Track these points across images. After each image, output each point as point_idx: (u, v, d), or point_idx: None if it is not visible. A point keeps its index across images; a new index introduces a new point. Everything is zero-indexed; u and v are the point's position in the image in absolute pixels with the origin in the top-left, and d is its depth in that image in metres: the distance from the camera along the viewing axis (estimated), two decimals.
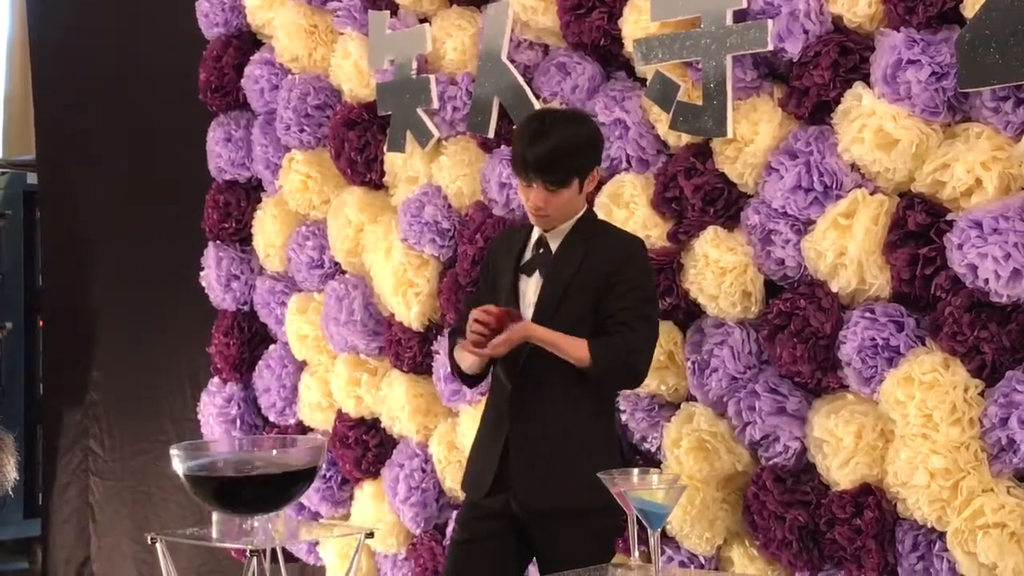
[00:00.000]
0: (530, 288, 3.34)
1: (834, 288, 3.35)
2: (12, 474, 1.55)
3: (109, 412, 5.80)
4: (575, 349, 3.21)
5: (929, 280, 3.19)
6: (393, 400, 4.40)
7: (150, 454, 5.48)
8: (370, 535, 3.71)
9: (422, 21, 4.37)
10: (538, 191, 3.25)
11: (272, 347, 4.94)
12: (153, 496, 5.53)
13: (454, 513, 4.06)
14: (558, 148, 3.22)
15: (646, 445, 3.77)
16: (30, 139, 6.68)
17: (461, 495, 3.57)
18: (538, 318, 3.27)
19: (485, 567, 3.35)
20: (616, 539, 3.35)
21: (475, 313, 3.22)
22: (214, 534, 3.44)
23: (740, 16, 3.46)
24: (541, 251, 3.34)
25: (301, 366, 4.81)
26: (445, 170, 4.27)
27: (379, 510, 4.49)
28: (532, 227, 3.39)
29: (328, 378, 4.65)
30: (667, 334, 3.67)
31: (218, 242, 5.09)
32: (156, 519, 5.45)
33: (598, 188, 3.67)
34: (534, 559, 3.38)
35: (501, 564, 3.35)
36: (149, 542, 3.55)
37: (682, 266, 3.64)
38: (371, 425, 4.56)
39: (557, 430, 3.26)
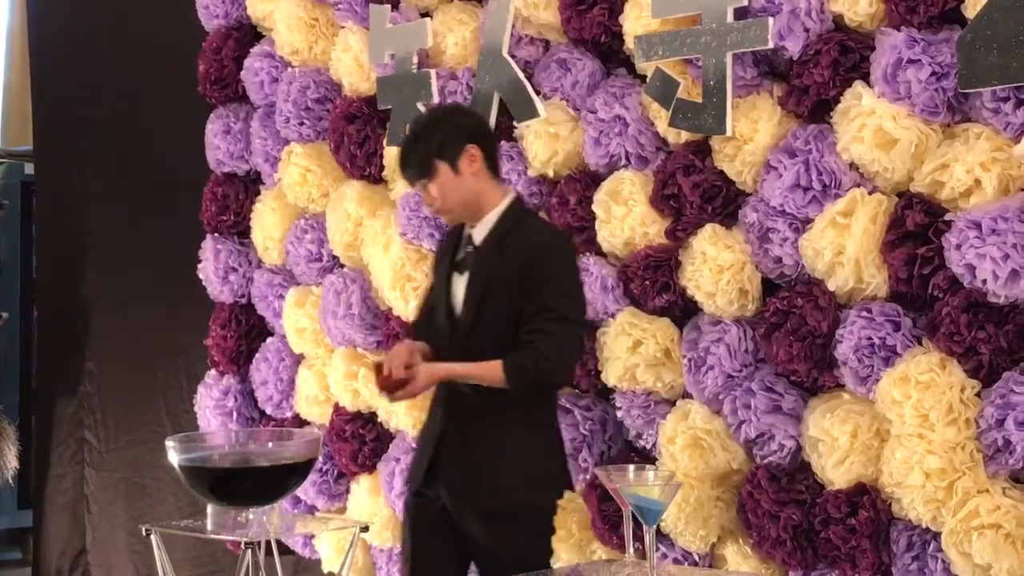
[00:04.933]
0: (460, 286, 3.40)
1: (831, 287, 3.35)
2: (13, 463, 1.55)
3: (104, 403, 5.80)
4: (489, 375, 3.26)
5: (927, 280, 3.19)
6: None
7: (146, 445, 5.48)
8: (365, 529, 3.72)
9: (423, 15, 4.37)
10: (421, 189, 3.41)
11: (270, 340, 4.94)
12: (149, 488, 5.53)
13: None
14: (407, 146, 3.43)
15: (641, 442, 3.77)
16: (28, 129, 6.67)
17: None
18: (465, 316, 3.35)
19: (432, 553, 3.43)
20: (548, 541, 3.42)
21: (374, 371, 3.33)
22: (209, 526, 3.45)
23: (741, 14, 3.46)
24: (470, 248, 3.40)
25: (299, 359, 4.81)
26: None
27: (375, 504, 4.49)
28: (464, 224, 3.46)
29: (325, 372, 4.65)
30: (664, 331, 3.68)
31: (216, 234, 5.09)
32: (152, 511, 5.45)
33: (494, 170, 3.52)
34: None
35: (443, 551, 3.42)
36: (144, 534, 3.56)
37: (680, 263, 3.64)
38: (368, 419, 4.56)
39: (485, 431, 3.31)
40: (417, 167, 3.39)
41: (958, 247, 3.07)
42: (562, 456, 3.51)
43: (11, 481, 1.49)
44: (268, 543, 3.69)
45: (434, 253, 3.65)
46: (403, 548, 3.53)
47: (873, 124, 3.22)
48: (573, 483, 3.61)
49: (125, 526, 5.60)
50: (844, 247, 3.28)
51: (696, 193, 3.59)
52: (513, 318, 3.29)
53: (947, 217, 3.15)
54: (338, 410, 4.62)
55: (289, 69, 4.78)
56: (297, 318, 4.73)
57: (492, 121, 4.09)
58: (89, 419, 5.84)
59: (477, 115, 3.58)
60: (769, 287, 3.53)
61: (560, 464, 3.48)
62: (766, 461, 3.48)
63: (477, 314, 3.33)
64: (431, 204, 3.43)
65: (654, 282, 3.67)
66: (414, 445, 3.66)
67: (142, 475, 5.57)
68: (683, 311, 3.68)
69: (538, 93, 3.98)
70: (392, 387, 3.27)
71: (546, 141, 3.93)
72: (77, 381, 5.88)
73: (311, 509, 4.73)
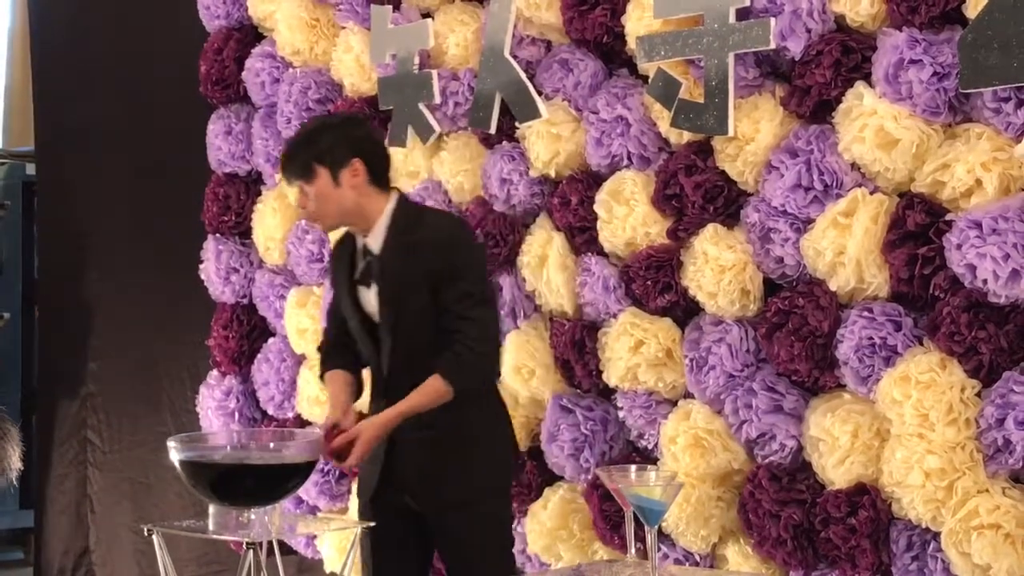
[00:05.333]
0: (370, 299, 3.39)
1: (832, 287, 3.35)
2: (17, 463, 1.56)
3: (108, 403, 5.80)
4: (431, 395, 3.25)
5: (928, 280, 3.19)
6: None
7: (149, 446, 5.48)
8: (367, 529, 3.72)
9: (424, 16, 4.37)
10: (296, 192, 3.39)
11: (271, 340, 4.94)
12: (152, 488, 5.53)
13: None
14: (296, 142, 3.41)
15: (643, 442, 3.78)
16: (30, 130, 6.67)
17: None
18: (386, 324, 3.34)
19: (395, 556, 3.46)
20: (509, 523, 3.51)
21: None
22: (211, 526, 3.45)
23: (743, 14, 3.47)
24: (369, 259, 3.38)
25: (300, 360, 4.81)
26: (446, 165, 4.27)
27: None
28: (353, 234, 3.43)
29: None
30: (666, 331, 3.68)
31: (218, 235, 5.09)
32: (155, 510, 5.45)
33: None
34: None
35: (406, 553, 3.45)
36: (145, 534, 3.56)
37: (681, 263, 3.64)
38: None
39: (435, 429, 3.30)
40: (298, 169, 3.35)
41: (959, 247, 3.08)
42: (511, 437, 3.54)
43: (15, 482, 1.50)
44: (270, 543, 3.69)
45: (329, 269, 3.59)
46: (363, 556, 3.53)
47: (874, 124, 3.22)
48: (520, 461, 3.67)
49: (129, 526, 5.60)
50: (845, 247, 3.29)
51: (698, 193, 3.59)
52: (432, 313, 3.30)
53: (948, 217, 3.15)
54: None
55: (290, 70, 4.78)
56: (298, 318, 4.73)
57: (494, 122, 4.09)
58: (92, 419, 5.84)
59: (367, 127, 3.55)
60: (770, 287, 3.53)
61: (511, 446, 3.54)
62: (767, 461, 3.48)
63: (397, 320, 3.33)
64: (304, 208, 3.40)
65: (656, 282, 3.67)
66: None
67: (146, 475, 5.57)
68: (685, 311, 3.68)
69: (540, 94, 3.99)
70: (338, 453, 3.26)
71: (548, 141, 3.93)
72: (80, 381, 5.88)
73: (313, 509, 4.73)
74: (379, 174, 3.39)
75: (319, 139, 3.36)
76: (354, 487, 4.59)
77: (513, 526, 3.59)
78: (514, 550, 3.62)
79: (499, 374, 3.66)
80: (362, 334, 3.42)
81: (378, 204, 3.36)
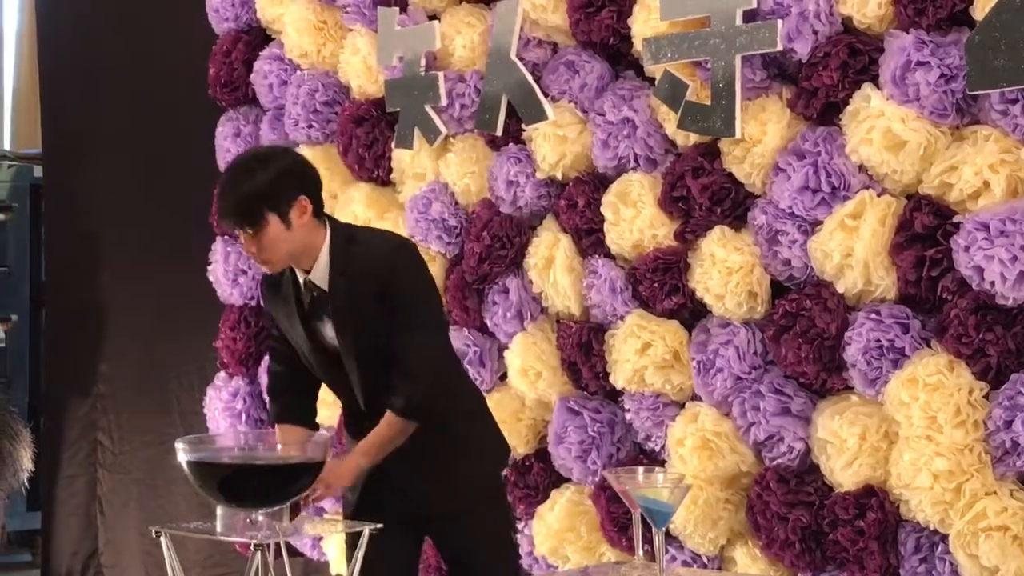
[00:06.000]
0: (327, 332, 3.29)
1: (840, 289, 3.35)
2: (28, 465, 1.56)
3: (117, 405, 5.81)
4: (388, 433, 3.22)
5: (935, 282, 3.19)
6: None
7: (158, 447, 5.49)
8: (374, 530, 3.72)
9: (431, 18, 4.37)
10: (244, 239, 3.20)
11: None
12: (160, 489, 5.54)
13: None
14: (239, 188, 3.17)
15: (650, 444, 3.78)
16: (37, 132, 6.68)
17: None
18: (349, 356, 3.26)
19: (388, 560, 3.40)
20: (513, 528, 3.53)
21: None
22: (218, 528, 3.45)
23: (750, 16, 3.47)
24: (315, 293, 3.27)
25: None
26: (452, 167, 4.27)
27: None
28: (291, 270, 3.30)
29: None
30: (673, 333, 3.68)
31: (226, 237, 5.10)
32: (163, 512, 5.46)
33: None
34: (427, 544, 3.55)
35: (398, 553, 3.41)
36: (153, 535, 3.56)
37: (688, 265, 3.64)
38: None
39: (423, 442, 3.26)
40: (242, 214, 3.15)
41: (966, 249, 3.08)
42: (493, 425, 3.53)
43: (26, 484, 1.50)
44: (277, 545, 3.69)
45: (267, 301, 3.45)
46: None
47: (882, 126, 3.22)
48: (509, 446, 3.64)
49: (137, 527, 5.60)
50: (853, 249, 3.28)
51: (705, 195, 3.59)
52: (388, 340, 3.24)
53: (956, 219, 3.15)
54: None
55: (298, 72, 4.79)
56: None
57: (500, 124, 4.09)
58: (103, 421, 5.85)
59: (301, 157, 3.40)
60: (778, 289, 3.53)
61: (496, 435, 3.53)
62: (775, 463, 3.48)
63: (360, 351, 3.25)
64: (254, 255, 3.22)
65: (663, 284, 3.67)
66: None
67: (154, 477, 5.58)
68: (692, 313, 3.68)
69: (546, 95, 3.99)
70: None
71: (554, 143, 3.93)
72: (90, 383, 5.89)
73: (319, 511, 4.73)
74: (320, 203, 3.25)
75: (261, 182, 3.15)
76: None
77: (517, 525, 3.59)
78: (520, 551, 3.63)
79: (455, 375, 3.54)
80: (325, 366, 3.34)
81: (319, 237, 3.22)
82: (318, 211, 3.24)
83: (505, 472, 3.68)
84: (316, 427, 3.52)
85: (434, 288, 3.45)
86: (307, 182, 3.24)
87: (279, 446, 3.19)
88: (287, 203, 3.15)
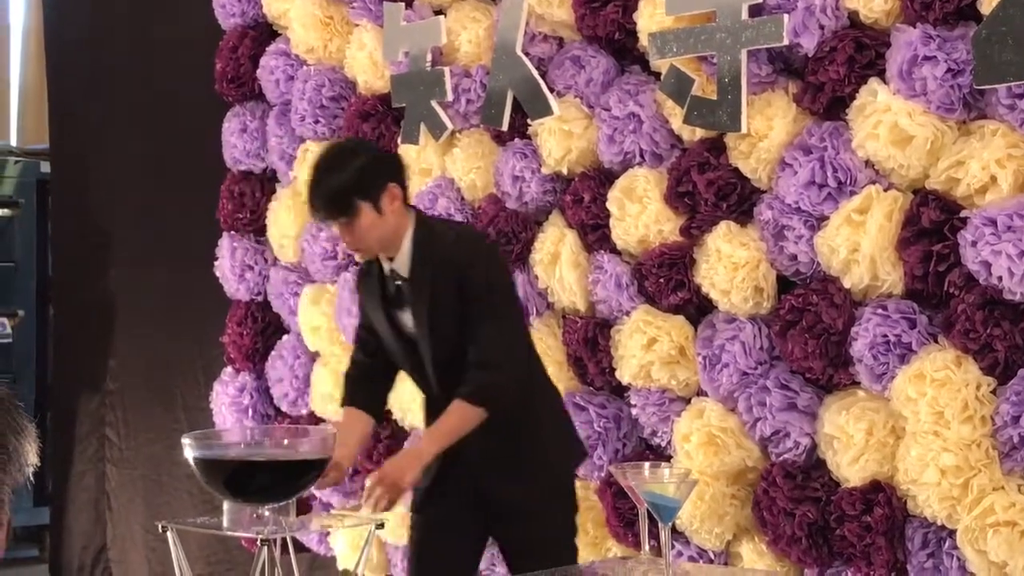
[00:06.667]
0: (407, 320, 3.37)
1: (847, 284, 3.34)
2: (34, 459, 1.56)
3: (125, 400, 5.82)
4: (458, 420, 3.26)
5: (942, 277, 3.18)
6: (404, 392, 4.40)
7: (164, 442, 5.50)
8: (381, 526, 3.72)
9: (437, 13, 4.37)
10: (339, 229, 3.31)
11: (285, 337, 4.95)
12: (166, 485, 5.55)
13: None
14: (330, 182, 3.26)
15: (656, 439, 3.77)
16: (44, 128, 6.69)
17: None
18: (428, 345, 3.33)
19: (446, 547, 3.44)
20: (575, 532, 3.48)
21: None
22: (225, 523, 3.46)
23: (756, 11, 3.46)
24: (398, 283, 3.35)
25: (314, 357, 4.82)
26: (458, 162, 4.27)
27: None
28: (378, 259, 3.38)
29: (340, 369, 4.63)
30: (679, 329, 3.68)
31: (232, 232, 5.10)
32: (169, 508, 5.47)
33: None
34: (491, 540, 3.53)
35: (458, 558, 3.44)
36: (160, 530, 3.57)
37: (694, 261, 3.64)
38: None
39: (502, 434, 3.28)
40: (334, 208, 3.25)
41: (973, 244, 3.07)
42: (570, 425, 3.57)
43: (31, 479, 1.50)
44: (284, 540, 3.69)
45: (357, 291, 3.57)
46: (411, 543, 3.55)
47: (888, 121, 3.21)
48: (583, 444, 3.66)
49: (143, 523, 5.62)
50: (859, 244, 3.28)
51: (711, 190, 3.58)
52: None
53: (963, 214, 3.14)
54: None
55: (304, 67, 4.79)
56: (312, 316, 4.74)
57: (506, 119, 4.10)
58: (111, 416, 5.86)
59: (383, 149, 3.49)
60: (784, 284, 3.52)
61: (573, 435, 3.56)
62: (781, 459, 3.47)
63: (439, 340, 3.32)
64: (348, 244, 3.34)
65: (668, 280, 3.67)
66: None
67: (160, 472, 5.59)
68: (698, 309, 3.67)
69: (552, 91, 3.98)
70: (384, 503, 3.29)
71: (560, 139, 3.93)
72: (100, 378, 5.90)
73: (326, 506, 4.74)
74: (407, 192, 3.38)
75: (352, 173, 3.26)
76: (368, 482, 4.60)
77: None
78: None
79: (534, 373, 3.56)
80: (404, 355, 3.42)
81: (405, 226, 3.33)
82: (406, 198, 3.35)
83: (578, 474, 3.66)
84: (381, 418, 3.59)
85: (512, 280, 3.54)
86: (396, 170, 3.37)
87: (285, 441, 3.20)
88: (378, 191, 3.25)
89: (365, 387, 3.54)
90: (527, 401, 3.36)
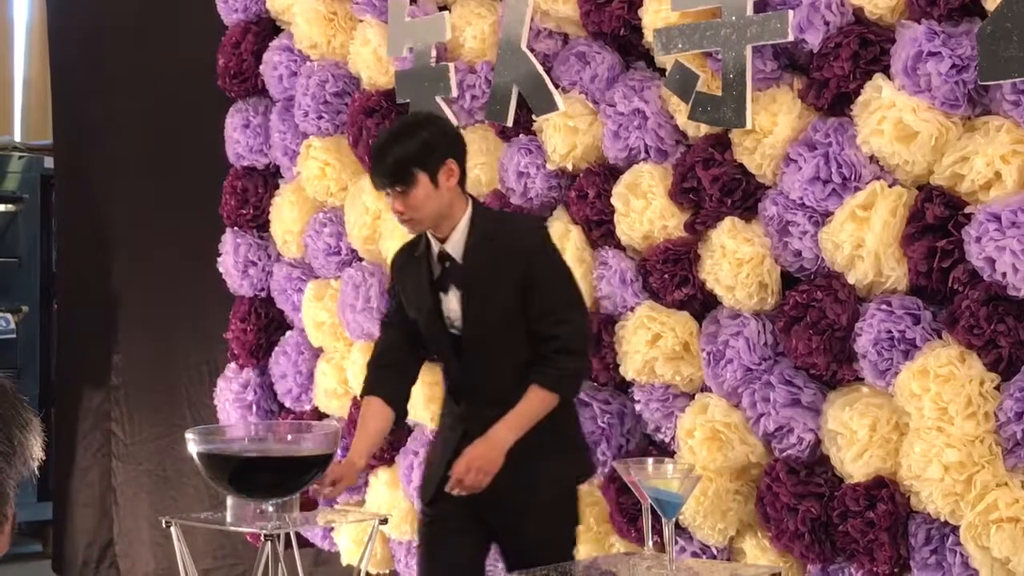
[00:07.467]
0: (451, 304, 3.36)
1: (851, 280, 3.34)
2: (39, 454, 1.56)
3: (130, 396, 5.82)
4: (538, 407, 3.26)
5: (946, 273, 3.18)
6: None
7: (169, 438, 5.50)
8: (384, 521, 3.73)
9: (442, 9, 4.37)
10: (393, 197, 3.30)
11: (289, 333, 4.95)
12: (172, 480, 5.55)
13: None
14: (393, 150, 3.28)
15: (660, 435, 3.77)
16: (48, 123, 6.69)
17: None
18: (469, 330, 3.32)
19: (452, 556, 3.42)
20: (577, 525, 3.47)
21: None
22: (229, 518, 3.46)
23: (760, 6, 3.46)
24: (447, 264, 3.35)
25: (317, 353, 4.82)
26: None
27: (393, 496, 4.50)
28: (427, 239, 3.39)
29: (344, 365, 4.66)
30: (683, 324, 3.68)
31: (236, 228, 5.10)
32: (175, 503, 5.47)
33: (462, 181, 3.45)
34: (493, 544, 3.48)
35: (466, 552, 3.42)
36: (164, 526, 3.57)
37: (699, 257, 3.64)
38: None
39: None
40: (394, 174, 3.27)
41: (978, 240, 3.07)
42: (581, 436, 3.54)
43: (36, 472, 1.50)
44: (287, 535, 3.70)
45: (397, 272, 3.54)
46: (419, 560, 3.53)
47: (893, 117, 3.21)
48: (595, 464, 3.66)
49: (148, 518, 5.62)
50: (864, 240, 3.28)
51: (715, 186, 3.58)
52: (514, 321, 3.29)
53: (967, 210, 3.14)
54: (356, 403, 4.62)
55: (308, 63, 4.79)
56: (316, 312, 4.74)
57: (511, 115, 4.10)
58: (116, 412, 5.86)
59: (453, 126, 3.49)
60: (788, 280, 3.52)
61: (582, 446, 3.54)
62: (785, 454, 3.47)
63: (481, 327, 3.32)
64: (401, 213, 3.31)
65: (673, 275, 3.67)
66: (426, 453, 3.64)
67: (165, 467, 5.59)
68: (702, 304, 3.67)
69: (557, 86, 3.98)
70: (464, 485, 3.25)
71: (565, 134, 3.93)
72: (104, 374, 5.91)
73: (330, 502, 4.74)
74: (465, 173, 3.39)
75: (415, 141, 3.28)
76: (372, 480, 4.61)
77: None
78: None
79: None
80: (439, 338, 3.40)
81: (461, 208, 3.33)
82: (463, 180, 3.36)
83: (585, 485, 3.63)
84: (404, 414, 3.54)
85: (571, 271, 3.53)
86: (457, 148, 3.38)
87: (289, 436, 3.20)
88: (437, 164, 3.27)
89: (391, 376, 3.50)
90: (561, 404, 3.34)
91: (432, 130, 3.36)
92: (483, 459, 3.22)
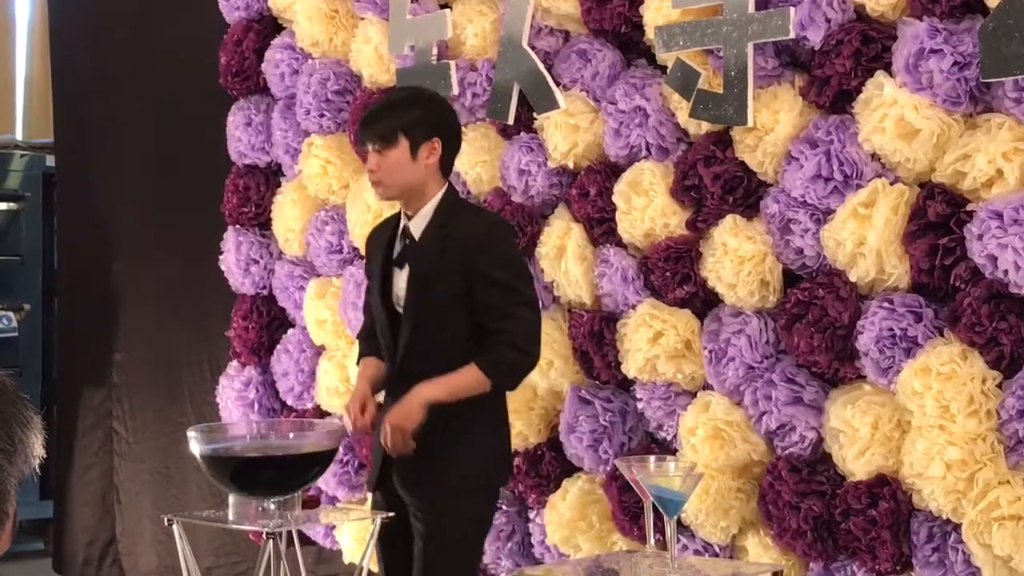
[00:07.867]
0: (400, 281, 3.39)
1: (853, 278, 3.34)
2: (40, 451, 1.56)
3: (132, 394, 5.82)
4: (469, 380, 3.27)
5: (948, 271, 3.18)
6: None
7: (171, 436, 5.50)
8: (386, 519, 3.73)
9: (443, 7, 4.37)
10: (371, 155, 3.37)
11: (290, 331, 4.96)
12: (175, 478, 5.56)
13: None
14: (383, 106, 3.43)
15: (662, 433, 3.77)
16: (49, 122, 6.69)
17: None
18: (408, 310, 3.35)
19: (393, 549, 3.47)
20: (488, 525, 3.47)
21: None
22: (231, 516, 3.47)
23: (762, 4, 3.46)
24: (407, 242, 3.39)
25: (319, 351, 4.82)
26: (464, 156, 4.25)
27: None
28: (399, 217, 3.44)
29: (346, 363, 4.66)
30: (685, 322, 3.68)
31: (237, 226, 5.10)
32: (177, 500, 5.48)
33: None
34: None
35: (396, 544, 3.45)
36: (166, 524, 3.57)
37: (700, 254, 3.64)
38: None
39: (429, 421, 3.26)
40: (380, 132, 3.34)
41: (980, 237, 3.07)
42: (504, 435, 3.48)
43: (37, 470, 1.50)
44: (289, 533, 3.70)
45: (368, 246, 3.61)
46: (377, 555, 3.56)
47: (895, 114, 3.21)
48: (507, 480, 3.62)
49: (150, 516, 5.63)
50: (865, 238, 3.28)
51: (717, 184, 3.58)
52: (455, 311, 3.30)
53: (969, 207, 3.14)
54: None
55: (309, 61, 4.79)
56: (318, 309, 4.74)
57: (512, 113, 4.09)
58: (118, 409, 5.87)
59: (454, 112, 3.55)
60: (790, 278, 3.52)
61: (500, 445, 3.47)
62: (787, 452, 3.47)
63: (420, 307, 3.34)
64: (374, 172, 3.38)
65: (675, 273, 3.67)
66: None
67: (167, 465, 5.59)
68: (704, 302, 3.67)
69: (558, 84, 3.98)
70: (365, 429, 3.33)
71: (566, 132, 3.93)
72: (106, 372, 5.91)
73: (332, 500, 4.74)
74: (448, 160, 3.43)
75: (409, 109, 3.37)
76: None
77: (487, 528, 3.51)
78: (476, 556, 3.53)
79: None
80: (383, 318, 3.44)
81: (434, 189, 3.38)
82: (444, 164, 3.41)
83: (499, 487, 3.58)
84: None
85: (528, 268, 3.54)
86: (446, 131, 3.41)
87: (291, 434, 3.20)
88: (422, 137, 3.34)
89: (374, 341, 3.54)
90: (472, 401, 3.31)
91: (431, 106, 3.42)
92: (398, 414, 3.24)
